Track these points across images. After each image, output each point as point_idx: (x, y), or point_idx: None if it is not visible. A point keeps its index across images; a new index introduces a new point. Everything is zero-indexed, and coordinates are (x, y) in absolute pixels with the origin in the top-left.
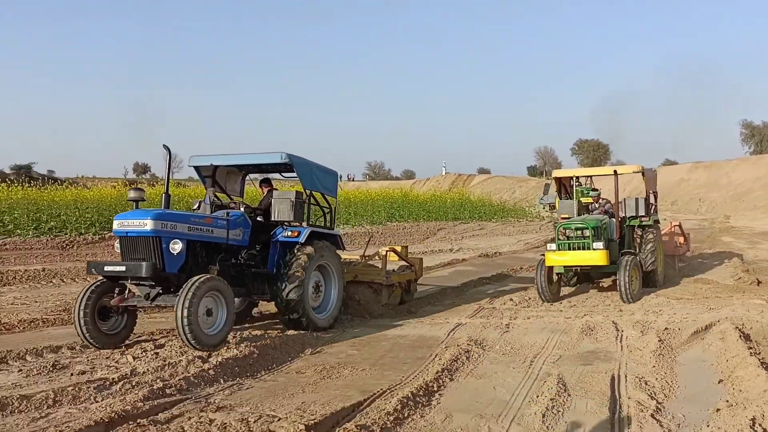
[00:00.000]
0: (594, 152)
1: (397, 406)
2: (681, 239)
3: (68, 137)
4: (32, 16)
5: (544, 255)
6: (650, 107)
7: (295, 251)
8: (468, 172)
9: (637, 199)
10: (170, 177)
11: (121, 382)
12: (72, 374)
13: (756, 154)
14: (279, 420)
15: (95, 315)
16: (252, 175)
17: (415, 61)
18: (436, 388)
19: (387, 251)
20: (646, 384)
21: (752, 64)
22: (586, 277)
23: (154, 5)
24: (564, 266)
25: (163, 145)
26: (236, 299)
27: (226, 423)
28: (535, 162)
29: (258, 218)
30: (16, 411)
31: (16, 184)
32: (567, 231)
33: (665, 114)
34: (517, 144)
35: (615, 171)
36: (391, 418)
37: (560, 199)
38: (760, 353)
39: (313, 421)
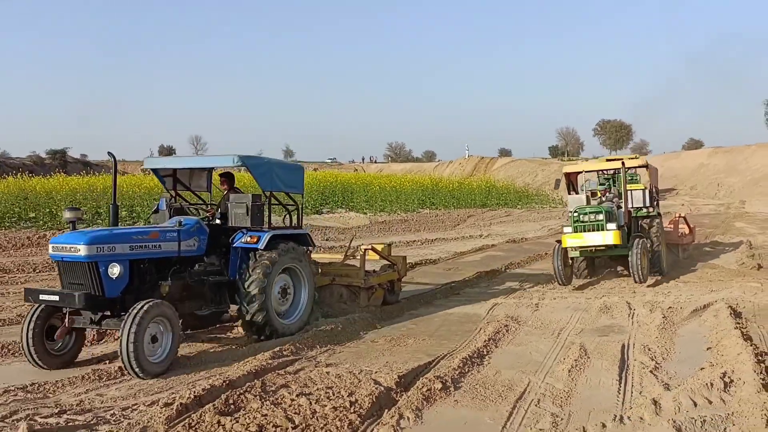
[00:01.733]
0: (616, 132)
1: (459, 364)
2: (686, 229)
3: (98, 122)
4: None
5: (560, 240)
6: (677, 88)
7: (257, 257)
8: (489, 152)
9: (643, 190)
10: (116, 187)
11: (247, 346)
12: (212, 347)
13: None
14: (375, 373)
15: (43, 335)
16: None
17: (434, 41)
18: (485, 353)
19: (365, 250)
20: (649, 350)
21: None
22: (593, 267)
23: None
24: (579, 247)
25: (108, 152)
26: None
27: (339, 374)
28: (557, 142)
29: (217, 221)
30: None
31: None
32: (582, 216)
33: (691, 94)
34: (539, 124)
35: (623, 162)
36: (456, 372)
37: (569, 194)
38: (745, 327)
39: (400, 374)
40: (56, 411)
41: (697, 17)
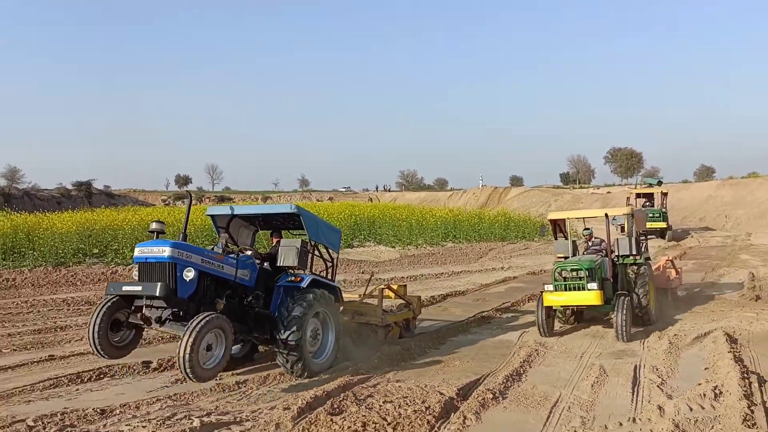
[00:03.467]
0: (627, 160)
1: (502, 380)
2: (673, 273)
3: (120, 154)
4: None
5: (542, 294)
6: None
7: (297, 297)
8: (500, 180)
9: (629, 238)
10: (188, 221)
11: (334, 368)
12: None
13: None
14: (437, 386)
15: (108, 327)
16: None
17: (445, 69)
18: (522, 372)
19: (382, 289)
20: (656, 369)
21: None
22: (581, 315)
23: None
24: (561, 305)
25: (186, 191)
26: (238, 345)
27: (410, 387)
28: (568, 169)
29: (264, 265)
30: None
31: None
32: (563, 272)
33: (696, 121)
34: (550, 151)
35: (606, 214)
36: (501, 386)
37: (555, 239)
38: (738, 351)
39: (458, 387)
40: (204, 413)
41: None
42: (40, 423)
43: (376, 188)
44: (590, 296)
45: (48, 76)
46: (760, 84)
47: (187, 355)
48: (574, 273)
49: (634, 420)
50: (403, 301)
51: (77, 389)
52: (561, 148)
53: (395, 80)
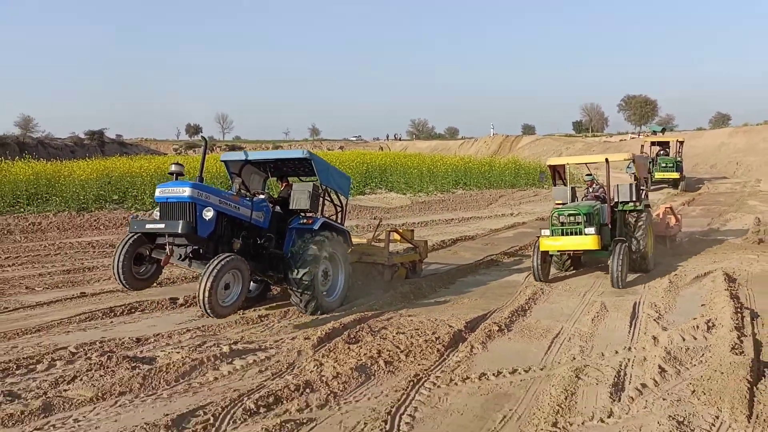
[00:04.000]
0: (641, 108)
1: (508, 315)
2: (673, 220)
3: (132, 103)
4: None
5: (538, 238)
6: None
7: (309, 238)
8: (512, 129)
9: (630, 184)
10: (203, 165)
11: (350, 304)
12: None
13: None
14: (447, 320)
15: (131, 260)
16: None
17: (457, 18)
18: (527, 308)
19: (389, 232)
20: (655, 306)
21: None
22: (578, 261)
23: None
24: (558, 250)
25: (201, 135)
26: (253, 284)
27: (421, 321)
28: (581, 118)
29: (276, 209)
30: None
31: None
32: (561, 217)
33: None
34: (563, 99)
35: (606, 159)
36: (507, 320)
37: (554, 185)
38: (736, 290)
39: (466, 320)
40: (231, 342)
41: None
42: (82, 350)
43: (387, 137)
44: (587, 241)
45: (60, 25)
46: None
47: (206, 294)
48: (572, 218)
49: (629, 349)
50: (410, 245)
51: (111, 322)
52: (574, 96)
53: (406, 29)
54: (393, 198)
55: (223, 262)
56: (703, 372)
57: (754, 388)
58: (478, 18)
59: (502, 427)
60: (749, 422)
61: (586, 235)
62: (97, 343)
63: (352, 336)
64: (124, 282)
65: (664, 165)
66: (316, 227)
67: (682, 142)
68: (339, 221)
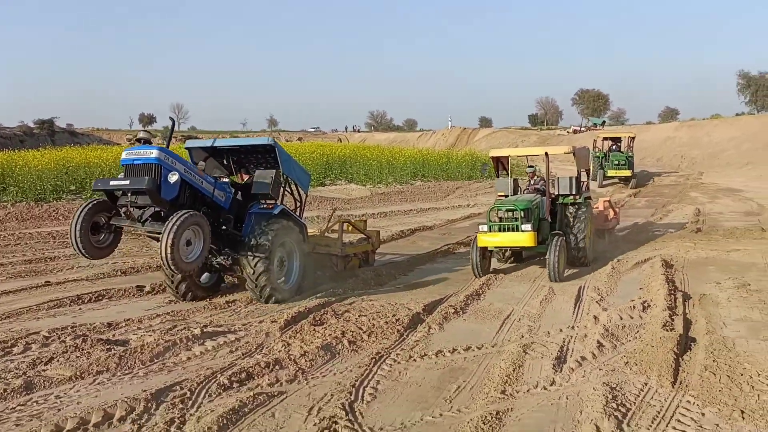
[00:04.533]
0: (594, 102)
1: (463, 299)
2: (611, 213)
3: (83, 92)
4: None
5: (477, 234)
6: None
7: (266, 224)
8: (469, 122)
9: (570, 177)
10: (170, 142)
11: (313, 291)
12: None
13: (751, 104)
14: (406, 304)
15: (89, 227)
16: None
17: (416, 9)
18: (481, 292)
19: (342, 223)
20: (598, 289)
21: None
22: (520, 255)
23: None
24: (495, 246)
25: (170, 117)
26: (207, 274)
27: (382, 305)
28: (537, 111)
29: (237, 195)
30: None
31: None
32: (498, 212)
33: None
34: (519, 93)
35: (546, 153)
36: (462, 303)
37: (497, 177)
38: (672, 274)
39: (424, 304)
40: (201, 325)
41: None
42: (55, 334)
43: (346, 129)
44: (524, 237)
45: (8, 11)
46: (727, 28)
47: (168, 249)
48: (509, 213)
49: (572, 327)
50: (363, 235)
51: (80, 308)
52: (530, 90)
53: (365, 21)
54: (353, 189)
55: (183, 218)
56: (636, 346)
57: (680, 359)
58: (436, 11)
59: (456, 395)
60: (673, 387)
61: (522, 231)
62: (69, 328)
63: (317, 319)
64: (82, 249)
65: (616, 162)
66: (276, 212)
67: (633, 138)
68: (297, 215)
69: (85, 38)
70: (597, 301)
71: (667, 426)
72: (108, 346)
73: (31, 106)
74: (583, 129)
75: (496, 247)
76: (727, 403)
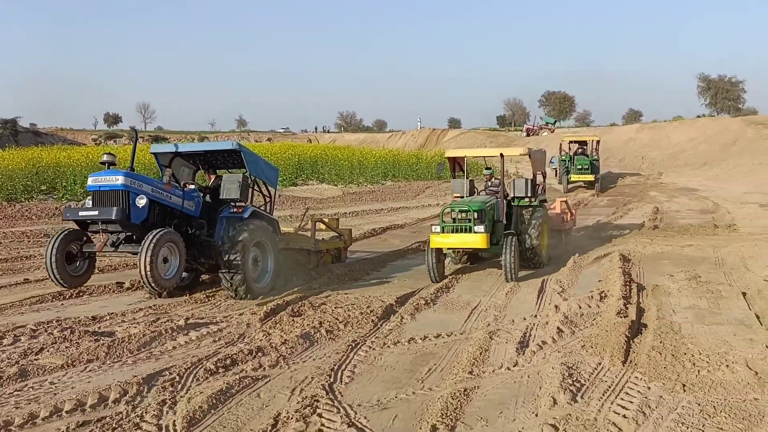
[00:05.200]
0: (560, 104)
1: (433, 291)
2: (568, 215)
3: (49, 91)
4: None
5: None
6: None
7: (239, 226)
8: (438, 122)
9: (526, 180)
10: (135, 156)
11: (290, 285)
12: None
13: (711, 106)
14: (380, 297)
15: (64, 257)
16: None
17: (384, 9)
18: (450, 286)
19: (315, 221)
20: (560, 282)
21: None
22: (475, 256)
23: None
24: (448, 248)
25: (131, 127)
26: (185, 273)
27: (356, 297)
28: (504, 112)
29: (207, 198)
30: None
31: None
32: (452, 213)
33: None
34: (488, 94)
35: (501, 154)
36: (432, 296)
37: (453, 178)
38: (629, 268)
39: (397, 296)
40: (184, 317)
41: None
42: (42, 327)
43: (315, 129)
44: (476, 239)
45: None
46: (689, 30)
47: (148, 268)
48: (463, 215)
49: (535, 316)
50: (335, 233)
51: (62, 304)
52: (498, 91)
53: (331, 20)
54: (325, 189)
55: (158, 236)
56: (592, 331)
57: (631, 341)
58: (405, 11)
59: (428, 376)
60: (624, 366)
61: (475, 233)
62: (54, 321)
63: (295, 310)
64: (59, 279)
65: (579, 167)
66: (245, 216)
67: (598, 141)
68: (268, 211)
69: (48, 36)
70: (559, 293)
71: (616, 398)
72: (95, 337)
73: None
74: (535, 128)
75: (449, 249)
76: (671, 378)
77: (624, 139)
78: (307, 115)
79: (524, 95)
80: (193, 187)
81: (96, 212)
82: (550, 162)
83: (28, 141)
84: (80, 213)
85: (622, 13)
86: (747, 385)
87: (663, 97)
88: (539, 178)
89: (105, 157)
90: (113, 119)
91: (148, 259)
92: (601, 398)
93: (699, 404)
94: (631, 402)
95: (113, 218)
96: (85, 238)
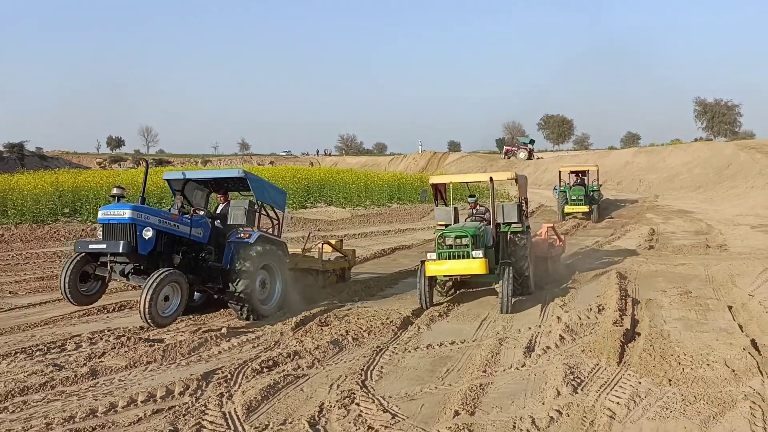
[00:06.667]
0: (559, 127)
1: (445, 305)
2: (556, 241)
3: (52, 114)
4: None
5: (423, 263)
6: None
7: (245, 251)
8: (438, 145)
9: (516, 204)
10: (145, 186)
11: (311, 302)
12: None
13: (708, 130)
14: (396, 309)
15: (77, 278)
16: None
17: (384, 32)
18: (461, 300)
19: (322, 244)
20: (561, 297)
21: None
22: (463, 285)
23: None
24: (445, 275)
25: (142, 158)
26: (197, 294)
27: (375, 310)
28: (504, 135)
29: (216, 223)
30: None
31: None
32: (447, 239)
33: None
34: (487, 116)
35: (491, 178)
36: (445, 309)
37: (437, 205)
38: (625, 284)
39: (412, 309)
40: (222, 327)
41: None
42: (97, 335)
43: (317, 152)
44: (475, 265)
45: None
46: (687, 55)
47: (146, 306)
48: (459, 240)
49: (539, 326)
50: (340, 254)
51: (107, 316)
52: (498, 114)
53: (330, 44)
54: (334, 211)
55: (162, 276)
56: (591, 338)
57: (626, 346)
58: (405, 32)
59: (447, 375)
60: (618, 366)
61: (474, 258)
62: (107, 330)
63: (322, 321)
64: (70, 298)
65: (574, 197)
66: (251, 241)
67: (598, 170)
68: (276, 233)
69: (51, 59)
70: (560, 306)
71: (611, 390)
72: (149, 343)
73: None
74: (513, 149)
75: (445, 276)
76: (659, 374)
77: (621, 163)
78: (308, 138)
79: (523, 119)
80: (201, 213)
81: (104, 245)
82: (553, 190)
83: (35, 164)
84: (90, 246)
85: (622, 40)
86: (725, 380)
87: (661, 119)
88: (524, 204)
89: (115, 191)
90: (116, 142)
91: (148, 297)
92: (599, 390)
93: (682, 395)
94: (624, 393)
95: (120, 251)
96: (99, 263)
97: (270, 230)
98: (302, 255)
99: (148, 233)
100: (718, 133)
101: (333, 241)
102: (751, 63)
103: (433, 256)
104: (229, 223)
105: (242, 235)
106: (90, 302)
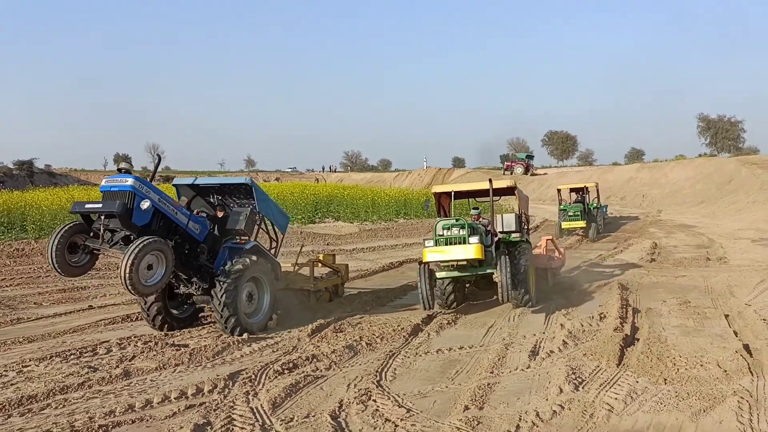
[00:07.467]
0: (563, 143)
1: (453, 314)
2: (556, 254)
3: (60, 132)
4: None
5: (421, 258)
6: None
7: (238, 256)
8: (442, 161)
9: (515, 215)
10: (155, 175)
11: (323, 311)
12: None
13: (711, 146)
14: (407, 318)
15: (65, 247)
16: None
17: (387, 49)
18: (468, 310)
19: (313, 261)
20: (565, 306)
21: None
22: (463, 293)
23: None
24: (441, 261)
25: (157, 153)
26: (183, 306)
27: (387, 318)
28: (508, 152)
29: (214, 230)
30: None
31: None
32: (444, 229)
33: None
34: (492, 133)
35: (490, 180)
36: (453, 317)
37: (438, 216)
38: (626, 295)
39: (422, 317)
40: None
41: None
42: (125, 341)
43: (323, 169)
44: (472, 249)
45: None
46: (691, 72)
47: (127, 271)
48: (456, 230)
49: (543, 332)
50: (332, 269)
51: (132, 324)
52: (501, 130)
53: (335, 60)
54: (342, 226)
55: (145, 243)
56: (593, 343)
57: (625, 350)
58: (406, 48)
59: (456, 376)
60: (617, 368)
61: (470, 244)
62: (133, 336)
63: (336, 328)
64: (57, 267)
65: (571, 214)
66: (247, 248)
67: (597, 187)
68: (274, 254)
69: (61, 77)
70: (564, 315)
71: (610, 388)
72: (176, 348)
73: (8, 147)
74: (512, 164)
75: (444, 272)
76: (655, 374)
77: (625, 178)
78: (313, 154)
79: (527, 135)
80: (204, 214)
81: (100, 205)
82: (559, 207)
83: (44, 182)
84: (86, 206)
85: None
86: (716, 379)
87: (665, 135)
88: (524, 218)
89: (122, 164)
90: (123, 159)
91: (129, 262)
92: (599, 388)
93: (676, 392)
94: (622, 390)
95: (114, 211)
96: (90, 233)
97: (271, 251)
98: (295, 273)
99: (145, 204)
100: (721, 148)
101: (323, 256)
102: (755, 78)
103: (431, 243)
104: (227, 227)
105: (238, 240)
106: (77, 274)
